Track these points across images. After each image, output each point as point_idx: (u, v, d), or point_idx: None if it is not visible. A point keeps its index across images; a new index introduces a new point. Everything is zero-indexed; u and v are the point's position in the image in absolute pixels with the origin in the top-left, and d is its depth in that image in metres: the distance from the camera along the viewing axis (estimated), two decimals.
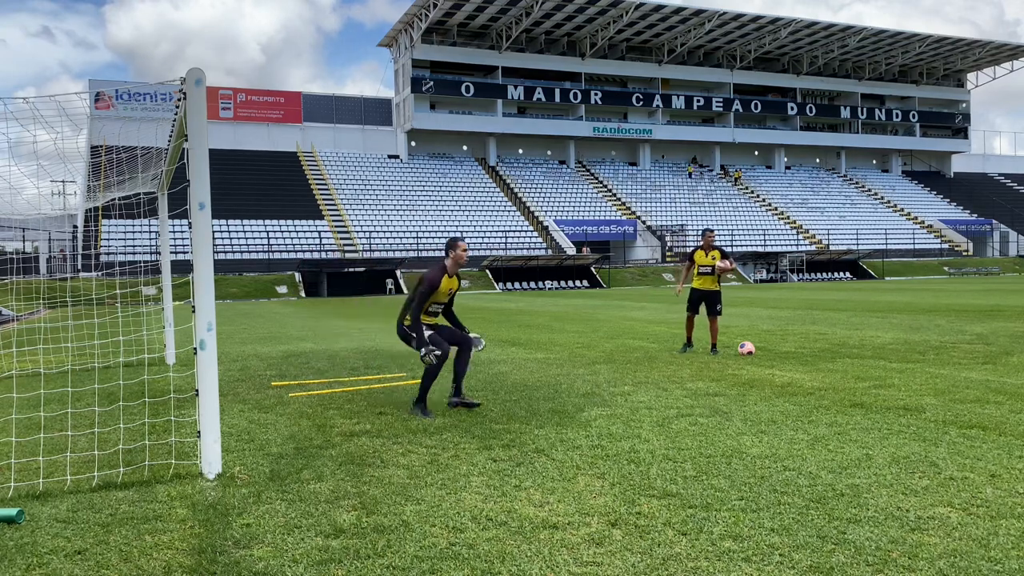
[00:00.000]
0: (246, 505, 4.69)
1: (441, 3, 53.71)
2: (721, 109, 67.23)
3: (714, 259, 11.79)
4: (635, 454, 5.67)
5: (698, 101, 66.45)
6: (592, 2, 55.63)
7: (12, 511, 4.46)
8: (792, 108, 69.39)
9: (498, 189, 58.82)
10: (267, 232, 47.31)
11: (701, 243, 12.10)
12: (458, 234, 50.44)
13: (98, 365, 10.97)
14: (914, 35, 65.67)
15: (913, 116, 73.18)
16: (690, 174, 66.37)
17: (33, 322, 20.88)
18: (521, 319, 20.30)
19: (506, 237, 51.51)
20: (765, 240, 57.19)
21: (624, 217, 57.48)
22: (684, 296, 12.67)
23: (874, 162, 76.11)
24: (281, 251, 46.47)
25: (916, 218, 65.79)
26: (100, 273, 36.83)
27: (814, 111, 70.54)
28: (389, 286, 43.16)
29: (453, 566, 3.70)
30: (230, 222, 47.28)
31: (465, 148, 63.19)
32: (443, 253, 7.39)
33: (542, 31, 61.15)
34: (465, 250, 7.37)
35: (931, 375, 9.05)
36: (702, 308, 11.97)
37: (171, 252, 12.36)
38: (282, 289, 41.42)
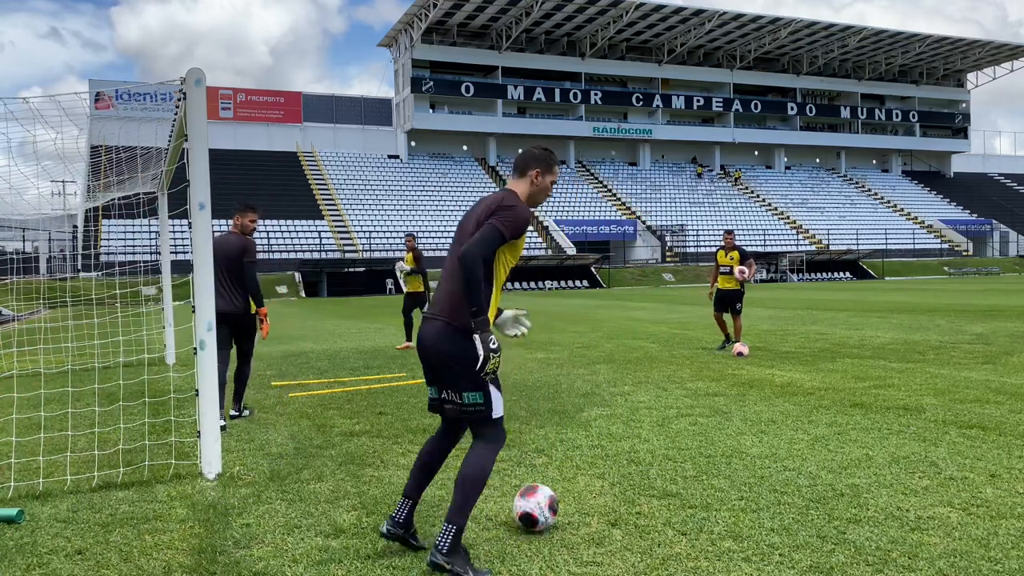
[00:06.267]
0: (246, 505, 4.69)
1: (441, 3, 53.71)
2: (721, 109, 67.22)
3: (732, 259, 12.21)
4: (635, 454, 5.67)
5: (698, 101, 66.44)
6: (592, 2, 55.63)
7: (12, 511, 4.46)
8: (792, 108, 69.36)
9: (498, 189, 58.76)
10: (267, 232, 47.29)
11: (723, 244, 12.59)
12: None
13: (98, 365, 10.97)
14: (914, 35, 65.66)
15: (913, 116, 73.16)
16: (700, 174, 66.22)
17: (33, 322, 20.87)
18: None
19: None
20: (765, 240, 57.18)
21: (624, 217, 57.46)
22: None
23: (874, 162, 76.09)
24: (281, 251, 46.47)
25: (916, 218, 65.78)
26: (100, 273, 36.82)
27: (814, 111, 70.52)
28: (389, 286, 43.16)
29: None
30: (230, 222, 47.27)
31: (465, 148, 63.18)
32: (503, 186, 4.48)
33: (542, 31, 61.14)
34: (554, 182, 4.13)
35: (931, 375, 9.05)
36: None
37: (171, 252, 12.36)
38: (282, 289, 41.41)
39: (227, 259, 7.17)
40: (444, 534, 3.55)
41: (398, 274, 14.48)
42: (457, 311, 3.66)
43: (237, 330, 7.25)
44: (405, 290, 14.05)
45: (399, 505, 3.88)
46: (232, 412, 7.36)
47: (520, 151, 4.15)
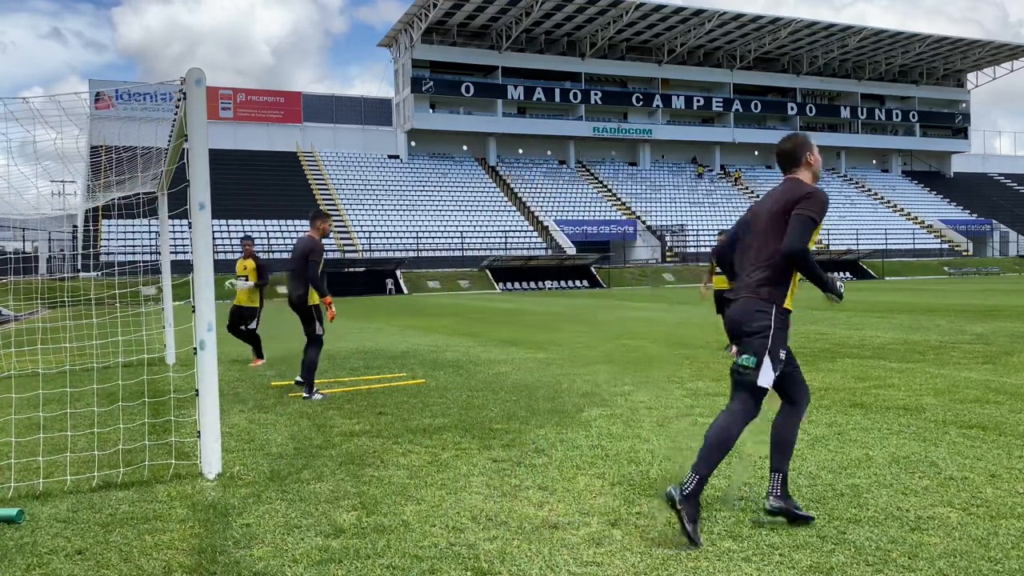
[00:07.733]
0: (246, 505, 4.69)
1: (441, 3, 53.69)
2: (721, 109, 67.19)
3: None
4: (635, 454, 5.67)
5: (698, 101, 66.41)
6: (592, 2, 55.61)
7: (12, 511, 4.46)
8: (792, 108, 69.35)
9: (498, 189, 58.80)
10: (267, 232, 47.29)
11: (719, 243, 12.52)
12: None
13: (97, 365, 10.97)
14: (914, 35, 65.64)
15: (913, 116, 73.14)
16: (700, 174, 66.17)
17: (33, 322, 20.86)
18: (521, 319, 20.29)
19: (506, 237, 51.48)
20: None
21: (624, 217, 57.45)
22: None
23: (874, 162, 76.07)
24: (281, 251, 46.45)
25: (916, 218, 65.77)
26: (100, 273, 36.82)
27: (814, 111, 70.50)
28: (389, 286, 43.17)
29: (453, 566, 3.69)
30: (230, 222, 47.26)
31: (465, 148, 63.15)
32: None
33: (542, 31, 61.12)
34: None
35: (931, 375, 9.04)
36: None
37: (171, 252, 12.35)
38: (282, 289, 41.36)
39: (295, 258, 8.59)
40: (689, 480, 3.91)
41: (228, 286, 11.72)
42: (758, 287, 4.09)
43: (299, 316, 8.67)
44: (233, 302, 11.79)
45: (771, 479, 4.14)
46: (297, 378, 8.98)
47: (778, 149, 4.33)
